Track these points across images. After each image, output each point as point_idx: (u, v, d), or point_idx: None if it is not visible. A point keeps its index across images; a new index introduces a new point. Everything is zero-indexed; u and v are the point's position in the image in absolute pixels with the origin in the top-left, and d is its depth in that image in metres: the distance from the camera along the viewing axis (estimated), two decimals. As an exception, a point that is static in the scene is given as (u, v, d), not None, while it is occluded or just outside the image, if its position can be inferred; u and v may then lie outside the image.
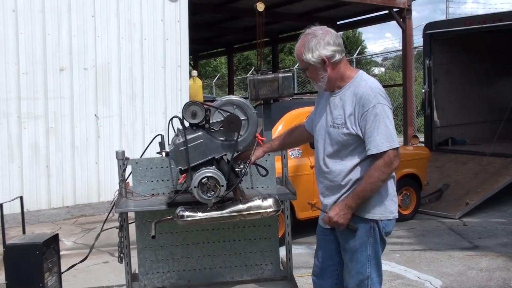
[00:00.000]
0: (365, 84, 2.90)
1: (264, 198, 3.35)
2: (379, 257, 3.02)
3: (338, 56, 2.94)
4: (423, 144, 10.74)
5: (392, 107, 2.99)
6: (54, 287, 3.72)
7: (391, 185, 3.00)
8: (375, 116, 2.81)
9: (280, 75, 3.94)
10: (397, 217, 3.05)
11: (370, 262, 2.98)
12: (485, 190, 8.52)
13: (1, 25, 8.67)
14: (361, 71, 3.02)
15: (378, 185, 2.84)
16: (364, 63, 32.98)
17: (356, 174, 2.93)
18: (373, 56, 32.64)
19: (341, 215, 2.89)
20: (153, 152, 3.97)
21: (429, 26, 11.21)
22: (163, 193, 3.83)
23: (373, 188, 2.84)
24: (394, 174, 3.00)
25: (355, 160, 2.93)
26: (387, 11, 14.10)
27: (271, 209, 3.33)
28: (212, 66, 33.97)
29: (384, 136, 2.80)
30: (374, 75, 32.97)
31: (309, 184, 6.27)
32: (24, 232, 4.00)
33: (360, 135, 2.87)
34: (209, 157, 3.25)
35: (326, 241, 3.17)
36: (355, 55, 24.52)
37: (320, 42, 2.91)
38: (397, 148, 2.84)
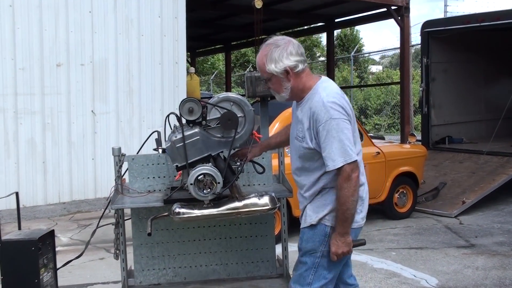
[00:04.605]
0: (318, 98, 2.82)
1: (261, 195, 3.34)
2: (330, 268, 2.92)
3: (301, 66, 2.90)
4: (420, 142, 10.75)
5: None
6: (50, 283, 3.71)
7: (359, 194, 2.91)
8: (328, 132, 2.75)
9: (279, 72, 3.94)
10: (361, 226, 2.97)
11: (316, 270, 2.90)
12: (482, 188, 8.54)
13: (-3, 20, 8.66)
14: (320, 80, 2.95)
15: (350, 200, 2.76)
16: (362, 61, 33.00)
17: (319, 185, 2.90)
18: (371, 54, 32.68)
19: (340, 245, 2.83)
20: (149, 148, 3.96)
21: (427, 24, 11.21)
22: (160, 190, 3.81)
23: (349, 206, 2.77)
24: (363, 180, 2.96)
25: (321, 172, 2.88)
26: (385, 9, 14.12)
27: (267, 207, 3.32)
28: (209, 63, 33.94)
29: (338, 152, 2.73)
30: (371, 73, 33.03)
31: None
32: (20, 228, 3.98)
33: (318, 149, 2.83)
34: (206, 154, 3.24)
35: None
36: (352, 53, 24.53)
37: (283, 53, 2.88)
38: (353, 161, 2.76)
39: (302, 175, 2.98)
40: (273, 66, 2.89)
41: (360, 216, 2.95)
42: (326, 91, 2.84)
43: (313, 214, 2.91)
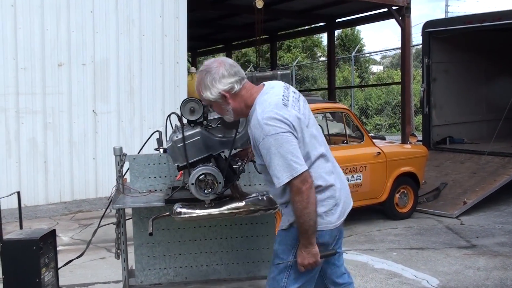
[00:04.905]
0: (254, 116, 2.74)
1: (262, 195, 3.35)
2: (304, 271, 2.84)
3: (237, 87, 2.82)
4: (421, 143, 10.74)
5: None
6: (51, 282, 3.72)
7: (327, 195, 2.83)
8: (267, 150, 2.68)
9: (279, 72, 3.96)
10: (337, 226, 2.87)
11: (289, 273, 2.85)
12: (483, 189, 8.53)
13: (-1, 20, 8.67)
14: (260, 94, 2.84)
15: (305, 213, 2.70)
16: (363, 61, 32.98)
17: (285, 198, 2.84)
18: (372, 54, 32.65)
19: (305, 256, 2.77)
20: (150, 148, 3.97)
21: (428, 24, 11.20)
22: (161, 190, 3.82)
23: (305, 218, 2.70)
24: (331, 181, 2.83)
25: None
26: (386, 9, 14.10)
27: (268, 207, 3.33)
28: (210, 62, 33.90)
29: (282, 168, 2.65)
30: (372, 73, 33.03)
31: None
32: (21, 227, 3.99)
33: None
34: (207, 154, 3.25)
35: None
36: (353, 53, 24.52)
37: (215, 77, 2.80)
38: (300, 174, 2.66)
39: (269, 187, 2.92)
40: (208, 94, 2.83)
41: (335, 217, 2.85)
42: (262, 107, 2.74)
43: (285, 218, 2.87)
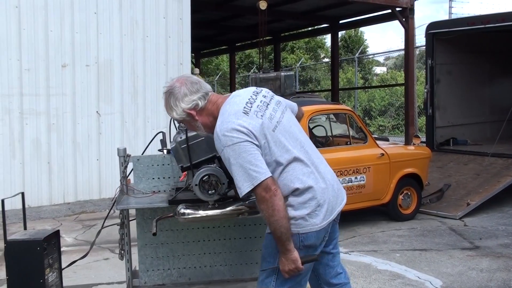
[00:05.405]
0: (215, 129, 2.74)
1: (265, 196, 3.35)
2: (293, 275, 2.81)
3: (201, 103, 2.86)
4: (424, 144, 10.73)
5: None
6: (55, 283, 3.73)
7: (307, 197, 2.78)
8: (227, 161, 2.69)
9: (282, 73, 3.95)
10: (323, 227, 2.81)
11: (277, 277, 2.83)
12: (486, 190, 8.52)
13: (3, 21, 8.69)
14: (223, 105, 2.83)
15: (273, 220, 2.67)
16: (366, 63, 32.97)
17: None
18: (375, 55, 32.63)
19: (285, 263, 2.75)
20: (154, 149, 3.97)
21: (431, 25, 11.19)
22: (164, 191, 3.83)
23: (275, 226, 2.67)
24: (309, 183, 2.77)
25: None
26: (389, 10, 14.09)
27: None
28: (214, 64, 33.97)
29: (243, 178, 2.64)
30: (376, 75, 33.00)
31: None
32: (25, 228, 3.99)
33: None
34: (211, 155, 3.25)
35: None
36: (357, 55, 24.51)
37: (178, 97, 2.84)
38: (261, 182, 2.63)
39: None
40: (174, 114, 2.89)
41: (319, 218, 2.79)
42: (222, 118, 2.75)
43: None
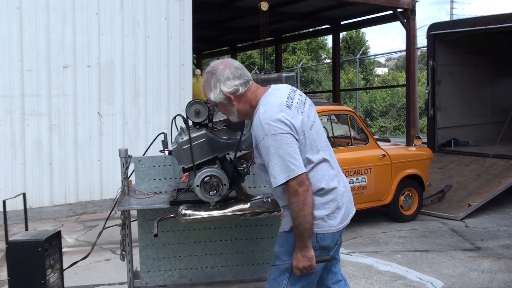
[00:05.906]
0: (257, 116, 2.76)
1: (266, 197, 3.36)
2: (302, 274, 2.82)
3: (242, 89, 2.84)
4: (425, 145, 10.73)
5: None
6: (56, 284, 3.73)
7: (329, 198, 2.83)
8: (266, 149, 2.69)
9: (284, 74, 3.94)
10: (339, 229, 2.87)
11: (290, 275, 2.84)
12: (488, 191, 8.51)
13: (5, 22, 8.70)
14: (264, 95, 2.85)
15: (301, 215, 2.69)
16: (368, 63, 32.96)
17: (286, 200, 2.80)
18: (377, 56, 32.63)
19: (300, 259, 2.75)
20: (156, 150, 3.97)
21: (433, 27, 11.19)
22: (166, 192, 3.83)
23: (301, 221, 2.69)
24: (333, 185, 2.83)
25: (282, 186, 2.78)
26: (391, 12, 14.10)
27: (273, 209, 3.34)
28: (215, 65, 33.93)
29: (280, 168, 2.66)
30: (377, 76, 33.00)
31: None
32: (26, 228, 4.00)
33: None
34: (212, 156, 3.25)
35: None
36: (358, 55, 24.51)
37: (220, 79, 2.82)
38: (297, 176, 2.66)
39: (272, 189, 2.90)
40: (212, 95, 2.86)
41: (337, 220, 2.85)
42: (265, 107, 2.76)
43: (287, 220, 2.86)
